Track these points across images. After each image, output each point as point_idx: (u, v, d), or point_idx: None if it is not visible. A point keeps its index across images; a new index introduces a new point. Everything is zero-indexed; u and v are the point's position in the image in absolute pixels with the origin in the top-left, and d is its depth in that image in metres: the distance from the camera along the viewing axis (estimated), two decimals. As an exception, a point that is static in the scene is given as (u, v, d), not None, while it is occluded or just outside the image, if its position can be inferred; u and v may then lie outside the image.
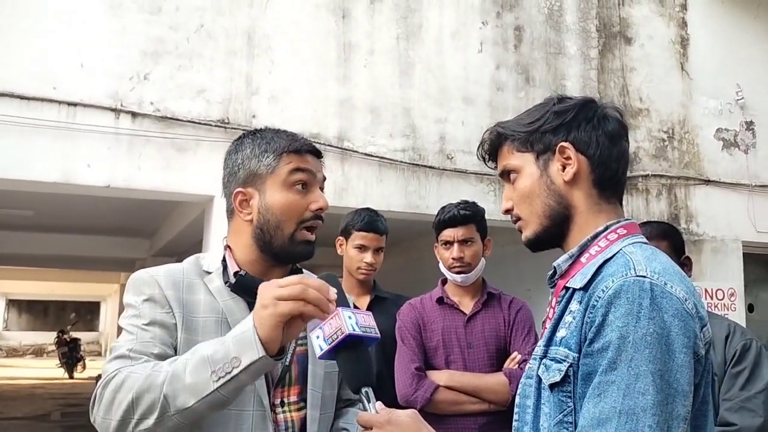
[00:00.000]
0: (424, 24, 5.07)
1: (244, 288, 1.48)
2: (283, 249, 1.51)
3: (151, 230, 8.68)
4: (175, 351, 1.40)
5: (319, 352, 1.22)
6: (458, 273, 2.74)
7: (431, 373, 2.64)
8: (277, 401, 1.47)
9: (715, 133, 6.12)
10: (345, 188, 4.64)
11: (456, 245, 2.72)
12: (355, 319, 1.22)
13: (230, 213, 1.58)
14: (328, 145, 4.60)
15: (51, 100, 3.96)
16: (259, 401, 1.42)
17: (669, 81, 5.99)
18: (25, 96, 3.90)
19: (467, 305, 2.77)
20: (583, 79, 5.55)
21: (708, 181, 5.98)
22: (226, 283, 1.51)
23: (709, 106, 6.10)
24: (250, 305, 1.39)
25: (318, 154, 1.60)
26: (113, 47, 4.16)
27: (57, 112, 3.97)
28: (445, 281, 2.85)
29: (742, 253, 5.97)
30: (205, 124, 4.32)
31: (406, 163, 4.86)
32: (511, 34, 5.39)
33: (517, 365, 2.61)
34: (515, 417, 1.29)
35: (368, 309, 2.86)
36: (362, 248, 2.92)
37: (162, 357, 1.35)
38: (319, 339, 1.23)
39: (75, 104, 4.02)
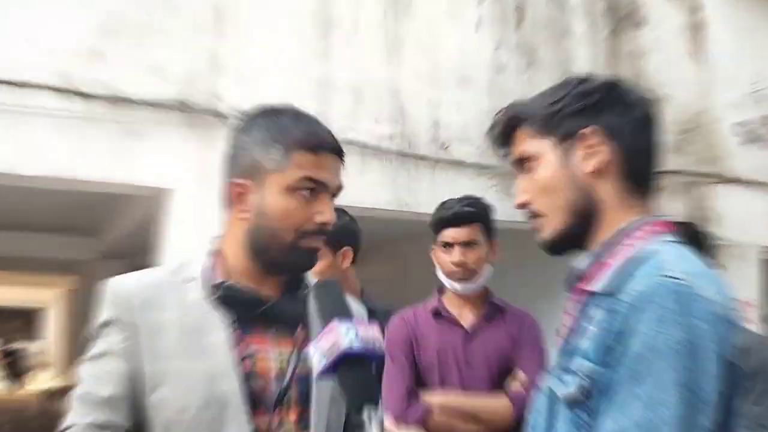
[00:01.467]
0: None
1: (230, 301, 1.43)
2: (280, 258, 1.45)
3: (97, 228, 8.52)
4: (139, 382, 1.38)
5: (316, 371, 1.23)
6: (459, 281, 2.61)
7: (424, 394, 2.57)
8: (275, 423, 1.42)
9: (734, 126, 6.13)
10: (322, 181, 4.53)
11: (457, 248, 2.59)
12: (354, 332, 1.22)
13: (226, 204, 1.50)
14: (304, 132, 4.49)
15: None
16: (242, 429, 1.38)
17: (685, 68, 5.99)
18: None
19: (468, 319, 2.68)
20: (591, 62, 5.52)
21: (727, 180, 5.97)
22: (210, 295, 1.44)
23: (728, 97, 6.10)
24: (237, 320, 1.42)
25: (340, 155, 1.51)
26: (63, 21, 4.00)
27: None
28: (442, 290, 2.75)
29: (761, 259, 5.99)
30: (161, 105, 4.18)
31: (393, 152, 4.74)
32: (511, 12, 5.34)
33: (521, 386, 2.54)
34: None
35: None
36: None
37: (113, 398, 1.36)
38: (316, 355, 1.23)
39: (17, 84, 3.86)
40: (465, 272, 2.60)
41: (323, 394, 1.46)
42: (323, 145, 1.46)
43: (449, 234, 2.61)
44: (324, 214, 1.45)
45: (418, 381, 2.61)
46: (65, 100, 3.95)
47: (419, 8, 5.01)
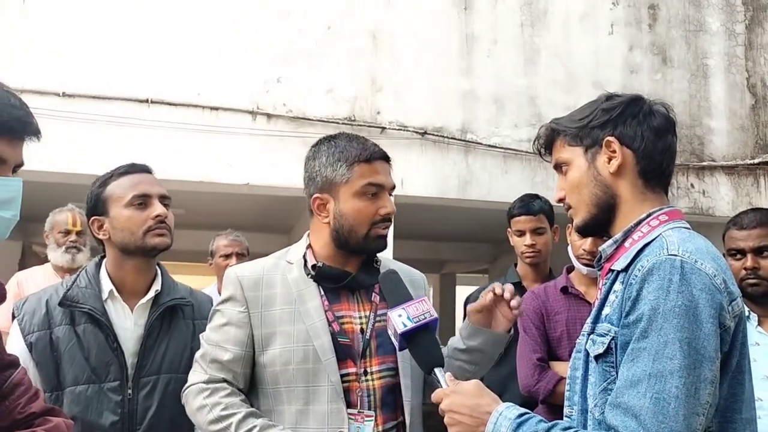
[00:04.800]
0: (549, 9, 5.01)
1: (323, 276, 1.72)
2: (359, 246, 1.73)
3: (288, 225, 9.18)
4: (251, 347, 1.68)
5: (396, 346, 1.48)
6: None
7: (555, 364, 2.64)
8: (361, 371, 1.67)
9: None
10: (469, 181, 4.70)
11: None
12: (405, 315, 1.42)
13: (310, 212, 1.79)
14: (452, 138, 4.68)
15: (195, 105, 4.37)
16: (331, 377, 1.63)
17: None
18: (173, 102, 4.33)
19: (593, 295, 2.73)
20: (728, 57, 5.20)
21: None
22: (308, 274, 1.73)
23: None
24: (326, 290, 1.71)
25: (387, 159, 1.77)
26: (248, 53, 4.50)
27: (200, 115, 4.37)
28: (570, 270, 2.82)
29: None
30: (333, 122, 4.55)
31: (532, 153, 4.81)
32: (645, 12, 5.17)
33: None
34: (567, 387, 1.42)
35: None
36: (520, 233, 3.01)
37: (230, 362, 1.67)
38: (390, 331, 1.47)
39: (217, 108, 4.41)
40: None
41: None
42: (375, 155, 1.73)
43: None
44: (386, 207, 1.73)
45: (549, 353, 2.68)
46: (253, 120, 4.43)
47: (554, 17, 5.02)
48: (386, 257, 1.90)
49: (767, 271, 2.24)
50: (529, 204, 2.99)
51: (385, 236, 1.75)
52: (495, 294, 1.67)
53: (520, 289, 2.98)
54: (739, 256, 2.30)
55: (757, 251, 2.26)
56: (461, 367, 1.77)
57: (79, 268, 3.45)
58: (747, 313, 2.25)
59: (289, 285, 1.72)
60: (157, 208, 1.88)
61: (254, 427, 1.59)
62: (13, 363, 1.48)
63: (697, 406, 1.14)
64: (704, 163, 5.24)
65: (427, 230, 8.57)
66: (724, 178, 5.28)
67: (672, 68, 5.13)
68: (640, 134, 1.37)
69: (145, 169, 1.97)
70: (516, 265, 3.14)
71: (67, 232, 3.51)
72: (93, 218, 1.91)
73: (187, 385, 1.71)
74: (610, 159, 1.37)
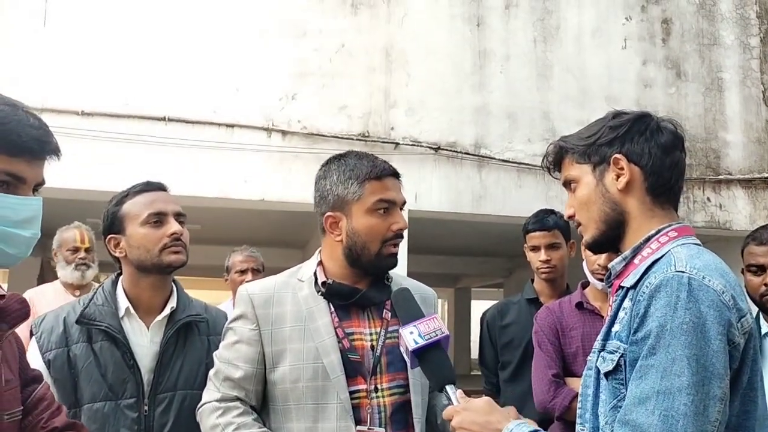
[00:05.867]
0: (561, 24, 5.01)
1: (333, 293, 1.73)
2: (371, 264, 1.73)
3: (302, 240, 9.21)
4: (262, 364, 1.68)
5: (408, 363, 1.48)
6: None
7: (570, 380, 2.61)
8: (371, 388, 1.68)
9: None
10: (483, 195, 4.69)
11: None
12: (417, 332, 1.42)
13: (322, 231, 1.79)
14: (465, 153, 4.68)
15: (211, 123, 4.42)
16: (340, 394, 1.64)
17: None
18: (190, 120, 4.38)
19: (607, 312, 2.71)
20: (743, 70, 5.18)
21: None
22: (318, 292, 1.74)
23: None
24: (337, 307, 1.71)
25: (397, 176, 1.77)
26: (263, 71, 4.55)
27: (215, 132, 4.42)
28: (585, 285, 2.80)
29: None
30: (347, 138, 4.57)
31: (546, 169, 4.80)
32: (658, 27, 5.16)
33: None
34: (579, 405, 1.40)
35: None
36: (535, 249, 2.99)
37: (242, 379, 1.67)
38: (402, 348, 1.47)
39: (232, 125, 4.45)
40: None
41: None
42: (385, 172, 1.73)
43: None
44: (398, 223, 1.73)
45: (565, 368, 2.65)
46: (268, 137, 4.47)
47: (566, 33, 5.03)
48: (397, 273, 1.90)
49: None
50: (544, 219, 2.98)
51: (396, 254, 1.76)
52: None
53: (537, 304, 2.97)
54: (758, 271, 2.27)
55: None
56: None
57: (88, 285, 3.52)
58: (767, 330, 2.22)
59: (299, 303, 1.73)
60: (173, 226, 1.89)
61: None
62: (37, 378, 1.49)
63: (706, 423, 1.13)
64: (720, 177, 5.20)
65: (441, 245, 8.55)
66: (740, 191, 5.23)
67: (686, 82, 5.11)
68: (648, 151, 1.36)
69: (160, 187, 1.99)
70: (533, 280, 3.12)
71: (76, 249, 3.55)
72: (110, 236, 1.93)
73: (201, 403, 1.72)
74: (618, 176, 1.37)
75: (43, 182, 1.33)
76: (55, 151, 1.31)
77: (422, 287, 1.92)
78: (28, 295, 3.64)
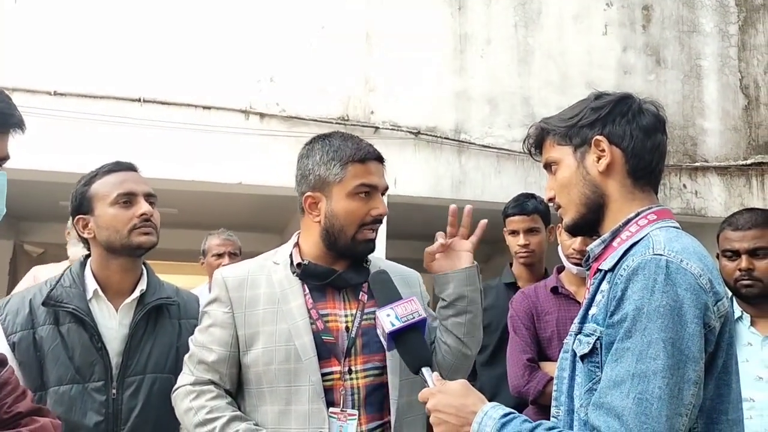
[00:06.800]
0: (543, 10, 5.00)
1: (308, 274, 1.71)
2: (347, 247, 1.71)
3: (281, 225, 9.17)
4: (236, 347, 1.67)
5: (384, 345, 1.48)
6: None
7: (545, 364, 2.63)
8: (345, 369, 1.66)
9: None
10: (462, 181, 4.69)
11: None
12: (394, 315, 1.42)
13: (301, 210, 1.77)
14: (445, 138, 4.66)
15: (188, 105, 4.35)
16: (311, 377, 1.63)
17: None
18: (165, 101, 4.31)
19: (583, 295, 2.71)
20: (721, 58, 5.21)
21: None
22: (294, 273, 1.72)
23: None
24: (312, 288, 1.70)
25: (381, 160, 1.75)
26: (241, 52, 4.48)
27: (192, 114, 4.35)
28: (560, 270, 2.81)
29: None
30: (326, 122, 4.53)
31: (525, 153, 4.78)
32: (639, 13, 5.17)
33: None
34: (554, 387, 1.42)
35: None
36: (514, 233, 2.99)
37: (216, 362, 1.67)
38: (379, 330, 1.46)
39: (209, 107, 4.38)
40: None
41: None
42: (369, 155, 1.71)
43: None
44: (378, 208, 1.71)
45: (539, 353, 2.67)
46: (246, 120, 4.41)
47: (548, 19, 5.02)
48: (378, 257, 1.88)
49: (762, 272, 2.22)
50: (524, 204, 2.97)
51: (373, 239, 1.74)
52: (442, 244, 1.75)
53: (515, 288, 2.97)
54: (733, 257, 2.28)
55: (752, 252, 2.24)
56: (456, 324, 1.76)
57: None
58: (740, 314, 2.24)
59: (273, 285, 1.72)
60: (143, 206, 1.86)
61: (237, 431, 1.58)
62: (1, 362, 1.46)
63: (680, 406, 1.13)
64: (697, 164, 5.24)
65: (420, 230, 8.52)
66: (716, 178, 5.28)
67: (665, 69, 5.13)
68: (629, 133, 1.35)
69: (130, 167, 1.95)
70: (511, 264, 3.12)
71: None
72: (78, 217, 1.89)
73: (176, 386, 1.71)
74: (599, 158, 1.36)
75: (7, 157, 1.29)
76: (19, 125, 1.27)
77: (403, 269, 1.91)
78: (35, 272, 3.56)
